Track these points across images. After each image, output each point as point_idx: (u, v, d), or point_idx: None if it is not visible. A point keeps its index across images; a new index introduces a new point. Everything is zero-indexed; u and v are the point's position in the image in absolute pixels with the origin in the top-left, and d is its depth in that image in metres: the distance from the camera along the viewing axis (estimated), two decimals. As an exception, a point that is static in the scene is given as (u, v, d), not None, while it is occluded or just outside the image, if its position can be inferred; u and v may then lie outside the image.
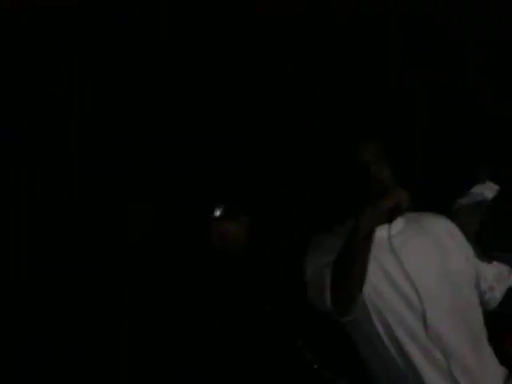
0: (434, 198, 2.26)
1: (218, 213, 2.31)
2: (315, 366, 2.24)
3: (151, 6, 2.70)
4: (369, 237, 1.89)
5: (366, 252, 1.90)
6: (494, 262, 2.19)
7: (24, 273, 2.55)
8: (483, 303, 2.16)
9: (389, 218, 1.92)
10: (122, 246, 2.52)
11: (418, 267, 2.04)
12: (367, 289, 1.97)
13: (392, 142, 2.23)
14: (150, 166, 2.63)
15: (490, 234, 2.20)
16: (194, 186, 2.47)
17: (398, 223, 2.05)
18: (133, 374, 2.41)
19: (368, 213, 1.88)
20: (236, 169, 2.63)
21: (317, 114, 2.70)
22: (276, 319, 2.29)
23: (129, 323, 2.44)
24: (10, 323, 2.50)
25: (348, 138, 2.20)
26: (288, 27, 2.80)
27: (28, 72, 2.67)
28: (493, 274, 2.18)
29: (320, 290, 1.96)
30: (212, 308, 2.28)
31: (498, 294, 2.17)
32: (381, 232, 1.96)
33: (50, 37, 2.63)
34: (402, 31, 2.75)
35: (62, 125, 2.69)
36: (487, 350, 2.10)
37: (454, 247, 2.12)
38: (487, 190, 2.30)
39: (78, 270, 2.52)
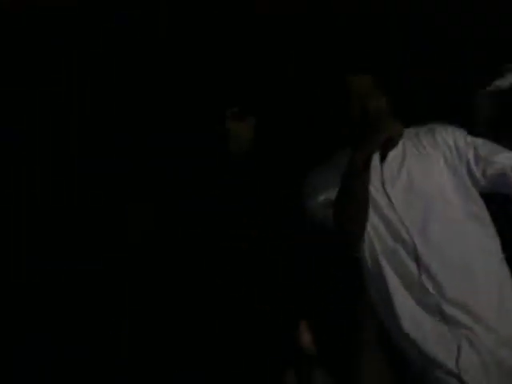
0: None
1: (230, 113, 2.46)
2: None
3: (151, 6, 2.70)
4: (365, 170, 1.95)
5: (364, 185, 1.96)
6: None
7: (24, 273, 2.55)
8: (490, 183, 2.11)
9: (383, 150, 2.01)
10: (122, 246, 2.52)
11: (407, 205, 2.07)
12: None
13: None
14: (150, 165, 2.63)
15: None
16: (193, 186, 2.47)
17: (395, 151, 2.10)
18: (133, 374, 2.41)
19: (362, 147, 1.94)
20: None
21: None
22: (276, 319, 2.30)
23: (129, 323, 2.45)
24: (10, 323, 2.50)
25: (337, 70, 2.24)
26: (288, 27, 2.80)
27: (28, 72, 2.67)
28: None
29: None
30: (212, 308, 2.28)
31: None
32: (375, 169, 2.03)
33: (50, 37, 2.63)
34: (402, 31, 2.75)
35: (61, 125, 2.69)
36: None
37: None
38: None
39: (78, 269, 2.52)
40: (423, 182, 2.08)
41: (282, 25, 2.78)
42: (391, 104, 2.14)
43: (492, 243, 2.07)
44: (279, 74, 2.73)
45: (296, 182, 2.19)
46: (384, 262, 2.05)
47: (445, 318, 1.98)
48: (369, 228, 2.05)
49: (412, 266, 2.02)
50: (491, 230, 2.09)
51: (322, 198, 2.08)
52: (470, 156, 2.08)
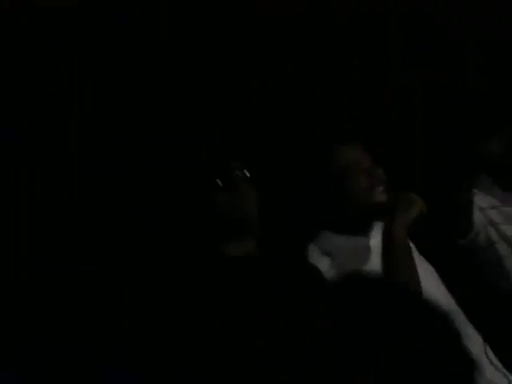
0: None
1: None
2: None
3: (151, 6, 2.70)
4: (406, 244, 1.93)
5: (409, 258, 1.93)
6: None
7: (24, 273, 2.55)
8: None
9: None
10: (122, 246, 2.53)
11: None
12: None
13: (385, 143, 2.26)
14: (150, 166, 2.63)
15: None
16: (192, 186, 2.47)
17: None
18: (132, 373, 2.41)
19: (400, 220, 1.92)
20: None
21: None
22: (276, 321, 2.29)
23: (129, 323, 2.45)
24: (10, 323, 2.50)
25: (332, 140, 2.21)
26: (288, 27, 2.80)
27: (28, 72, 2.67)
28: None
29: None
30: (212, 308, 2.28)
31: None
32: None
33: (50, 37, 2.63)
34: (402, 31, 2.75)
35: (62, 125, 2.69)
36: None
37: None
38: None
39: (78, 269, 2.52)
40: None
41: (282, 25, 2.78)
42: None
43: None
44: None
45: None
46: None
47: None
48: None
49: None
50: None
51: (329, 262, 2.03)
52: None
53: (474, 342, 1.98)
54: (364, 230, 2.10)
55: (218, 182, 1.99)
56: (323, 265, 2.01)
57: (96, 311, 2.50)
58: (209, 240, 2.06)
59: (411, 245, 2.09)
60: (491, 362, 1.99)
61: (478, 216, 2.38)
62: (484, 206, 2.43)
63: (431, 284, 2.06)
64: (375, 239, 2.04)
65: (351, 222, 2.10)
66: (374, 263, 1.98)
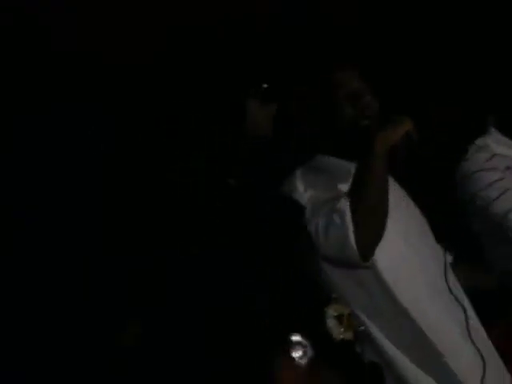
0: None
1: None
2: None
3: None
4: (384, 162, 1.83)
5: (385, 179, 1.84)
6: None
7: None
8: None
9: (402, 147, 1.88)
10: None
11: None
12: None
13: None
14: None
15: None
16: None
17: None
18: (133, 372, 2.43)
19: (382, 136, 1.83)
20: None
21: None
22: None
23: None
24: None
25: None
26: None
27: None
28: None
29: (339, 236, 1.81)
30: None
31: None
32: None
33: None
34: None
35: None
36: None
37: None
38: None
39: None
40: None
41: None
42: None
43: None
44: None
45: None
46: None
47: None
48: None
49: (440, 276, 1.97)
50: None
51: (309, 194, 1.94)
52: None
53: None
54: (348, 155, 2.00)
55: None
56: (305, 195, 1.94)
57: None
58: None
59: (394, 183, 2.01)
60: (449, 287, 1.94)
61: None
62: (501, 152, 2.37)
63: (413, 230, 1.99)
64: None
65: (336, 146, 2.04)
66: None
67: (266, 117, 2.22)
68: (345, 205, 1.81)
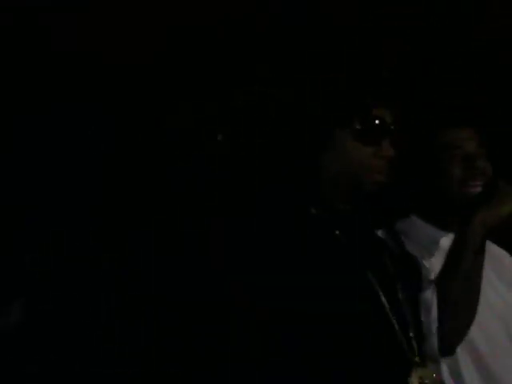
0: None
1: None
2: None
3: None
4: (476, 242, 1.63)
5: (478, 270, 1.63)
6: None
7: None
8: None
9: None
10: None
11: None
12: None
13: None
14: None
15: None
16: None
17: None
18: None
19: (481, 215, 1.64)
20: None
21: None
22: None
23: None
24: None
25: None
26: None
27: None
28: None
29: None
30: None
31: None
32: None
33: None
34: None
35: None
36: None
37: None
38: None
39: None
40: None
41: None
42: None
43: None
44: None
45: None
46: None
47: None
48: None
49: None
50: None
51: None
52: None
53: None
54: (445, 224, 1.83)
55: None
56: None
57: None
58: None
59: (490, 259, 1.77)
60: None
61: None
62: None
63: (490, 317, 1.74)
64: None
65: (433, 210, 1.86)
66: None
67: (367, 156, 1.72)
68: (432, 294, 1.60)
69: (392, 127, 1.54)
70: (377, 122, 1.53)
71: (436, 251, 1.76)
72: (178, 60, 2.56)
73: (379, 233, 1.67)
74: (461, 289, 1.59)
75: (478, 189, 1.77)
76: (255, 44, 2.42)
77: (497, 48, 2.40)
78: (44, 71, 2.42)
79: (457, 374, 1.68)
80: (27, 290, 2.07)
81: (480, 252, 1.63)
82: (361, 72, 1.77)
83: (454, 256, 1.63)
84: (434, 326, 1.55)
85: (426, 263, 1.67)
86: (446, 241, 1.75)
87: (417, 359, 1.45)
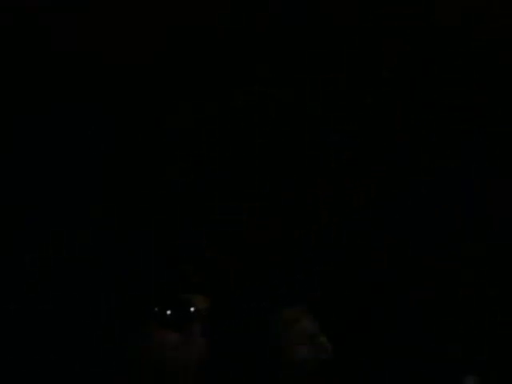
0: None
1: None
2: None
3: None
4: None
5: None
6: None
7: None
8: None
9: None
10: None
11: None
12: None
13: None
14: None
15: None
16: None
17: None
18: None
19: None
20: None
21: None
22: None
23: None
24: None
25: None
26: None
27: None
28: None
29: None
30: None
31: None
32: None
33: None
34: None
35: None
36: None
37: None
38: None
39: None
40: None
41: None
42: None
43: None
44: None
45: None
46: None
47: None
48: None
49: None
50: None
51: None
52: None
53: None
54: None
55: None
56: None
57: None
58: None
59: None
60: None
61: None
62: None
63: None
64: None
65: None
66: None
67: None
68: None
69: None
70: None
71: None
72: (178, 60, 2.55)
73: None
74: None
75: (322, 365, 1.80)
76: (255, 44, 2.42)
77: (497, 48, 2.40)
78: (44, 71, 2.42)
79: None
80: (27, 290, 2.06)
81: None
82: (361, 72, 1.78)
83: None
84: None
85: None
86: None
87: None
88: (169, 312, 1.43)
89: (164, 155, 2.37)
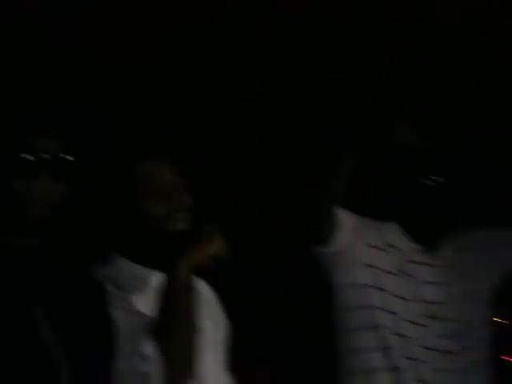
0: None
1: None
2: None
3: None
4: (190, 290, 1.63)
5: (184, 305, 1.61)
6: None
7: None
8: None
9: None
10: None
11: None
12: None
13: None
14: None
15: None
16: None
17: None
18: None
19: (185, 259, 1.63)
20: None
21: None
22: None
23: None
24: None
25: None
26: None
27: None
28: None
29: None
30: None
31: None
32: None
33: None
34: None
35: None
36: None
37: None
38: None
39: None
40: None
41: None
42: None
43: None
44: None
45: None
46: None
47: None
48: None
49: None
50: None
51: None
52: None
53: None
54: (153, 263, 1.76)
55: None
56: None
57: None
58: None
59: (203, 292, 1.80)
60: None
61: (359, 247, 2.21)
62: (373, 243, 2.23)
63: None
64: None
65: (144, 252, 1.78)
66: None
67: None
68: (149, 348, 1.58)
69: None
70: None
71: (146, 290, 1.70)
72: (178, 60, 2.56)
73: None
74: (179, 333, 1.59)
75: (181, 225, 1.71)
76: (255, 44, 2.42)
77: (497, 48, 2.41)
78: (44, 71, 2.42)
79: None
80: (27, 290, 2.06)
81: (189, 291, 1.62)
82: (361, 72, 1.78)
83: (164, 296, 1.61)
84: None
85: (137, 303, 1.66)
86: (156, 280, 1.70)
87: None
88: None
89: (164, 155, 2.36)
